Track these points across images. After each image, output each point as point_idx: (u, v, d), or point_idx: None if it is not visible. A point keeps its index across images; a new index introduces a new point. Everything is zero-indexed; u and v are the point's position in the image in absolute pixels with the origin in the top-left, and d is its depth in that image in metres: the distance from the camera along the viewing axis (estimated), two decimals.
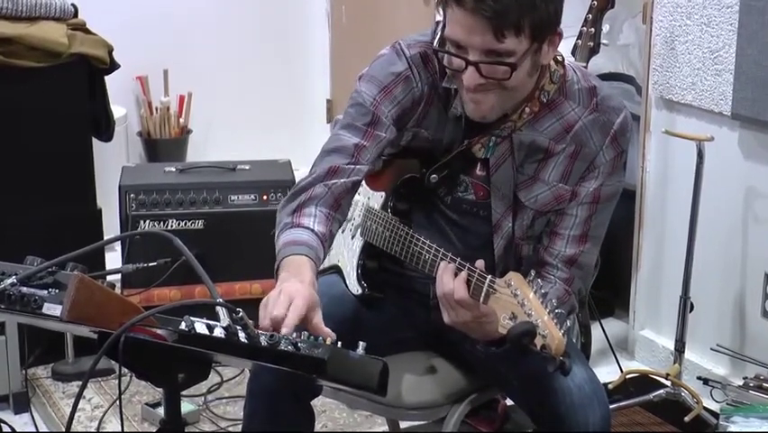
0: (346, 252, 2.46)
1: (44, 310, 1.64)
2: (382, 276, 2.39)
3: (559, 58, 2.17)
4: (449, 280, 2.00)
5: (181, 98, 5.06)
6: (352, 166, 2.19)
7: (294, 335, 1.62)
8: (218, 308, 1.64)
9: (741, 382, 3.18)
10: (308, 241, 2.06)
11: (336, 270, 2.47)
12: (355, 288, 2.38)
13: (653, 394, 3.33)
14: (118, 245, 3.84)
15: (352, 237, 2.45)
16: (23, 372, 3.34)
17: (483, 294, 1.95)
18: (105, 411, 3.29)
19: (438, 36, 2.14)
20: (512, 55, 1.99)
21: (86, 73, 3.59)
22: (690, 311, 3.31)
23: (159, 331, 1.65)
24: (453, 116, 2.21)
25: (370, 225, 2.39)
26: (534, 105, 2.16)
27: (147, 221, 3.62)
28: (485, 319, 1.98)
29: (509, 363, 2.19)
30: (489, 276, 1.96)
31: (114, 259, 3.83)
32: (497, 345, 2.07)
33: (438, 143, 2.24)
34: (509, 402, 3.13)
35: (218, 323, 1.61)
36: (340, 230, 2.26)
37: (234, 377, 3.47)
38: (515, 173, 2.21)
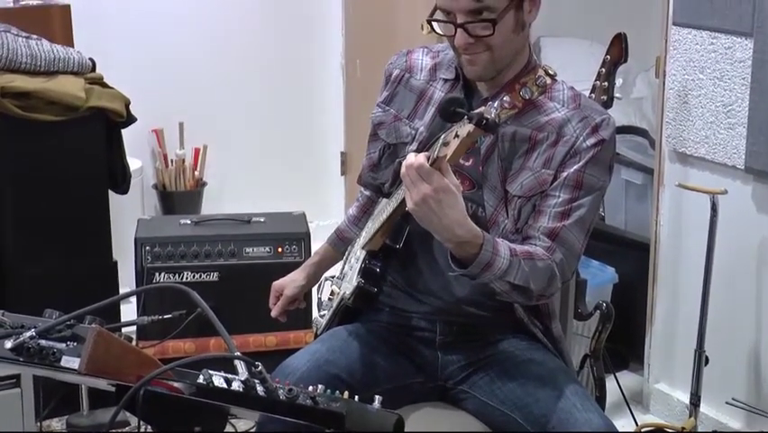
0: (353, 260, 2.55)
1: (63, 363, 1.64)
2: (381, 278, 2.46)
3: (551, 72, 2.32)
4: (411, 156, 2.05)
5: (196, 151, 5.10)
6: None
7: (311, 388, 1.63)
8: (236, 361, 1.64)
9: None
10: (338, 227, 2.76)
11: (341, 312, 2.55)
12: (353, 284, 2.43)
13: None
14: (133, 297, 3.85)
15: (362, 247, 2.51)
16: (38, 424, 3.34)
17: (437, 151, 2.02)
18: None
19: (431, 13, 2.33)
20: (493, 11, 2.19)
21: (103, 127, 3.62)
22: (705, 365, 3.30)
23: (176, 384, 1.65)
24: None
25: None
26: (515, 98, 2.28)
27: (162, 273, 3.63)
28: (444, 196, 2.00)
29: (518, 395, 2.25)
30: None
31: (129, 311, 3.84)
32: (466, 267, 2.11)
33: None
34: None
35: (236, 376, 1.62)
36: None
37: (249, 430, 3.46)
38: (501, 163, 2.30)
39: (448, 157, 2.00)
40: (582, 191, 2.27)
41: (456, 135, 1.98)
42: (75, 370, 1.63)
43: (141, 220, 3.87)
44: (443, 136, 2.04)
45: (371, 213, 2.61)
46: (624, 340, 3.90)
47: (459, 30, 2.21)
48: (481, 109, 1.95)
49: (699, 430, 3.38)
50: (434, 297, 2.41)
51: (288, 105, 5.38)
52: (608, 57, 3.30)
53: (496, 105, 2.17)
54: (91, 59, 3.65)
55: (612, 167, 2.34)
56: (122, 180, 3.79)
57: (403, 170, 2.04)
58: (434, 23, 2.27)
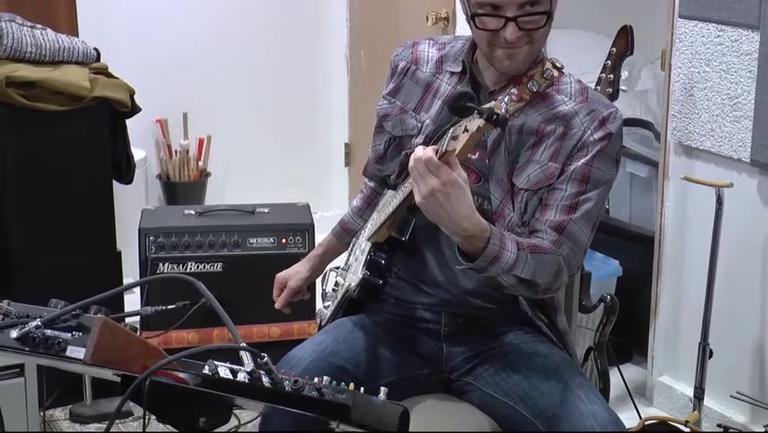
0: (359, 252, 2.54)
1: (68, 353, 1.64)
2: (386, 270, 2.46)
3: (558, 64, 2.30)
4: (419, 149, 2.05)
5: (200, 141, 5.10)
6: None
7: (316, 379, 1.62)
8: (242, 352, 1.64)
9: (761, 430, 3.16)
10: (342, 218, 2.73)
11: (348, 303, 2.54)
12: (358, 276, 2.43)
13: None
14: (136, 287, 3.85)
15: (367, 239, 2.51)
16: (41, 413, 3.34)
17: (446, 145, 2.02)
18: None
19: (466, 8, 2.27)
20: (543, 3, 2.21)
21: (107, 116, 3.62)
22: (710, 358, 3.30)
23: (181, 375, 1.65)
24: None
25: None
26: (522, 91, 2.26)
27: (166, 264, 3.63)
28: (452, 190, 2.01)
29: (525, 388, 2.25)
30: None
31: (132, 301, 3.84)
32: (473, 261, 2.12)
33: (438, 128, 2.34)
34: None
35: (242, 367, 1.62)
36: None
37: (252, 420, 3.46)
38: (507, 156, 2.29)
39: (457, 151, 1.99)
40: (589, 185, 2.27)
41: (465, 130, 1.97)
42: (80, 360, 1.63)
43: (144, 210, 3.87)
44: (451, 130, 2.03)
45: (376, 204, 2.60)
46: (628, 333, 3.89)
47: (510, 23, 2.18)
48: (492, 104, 1.94)
49: (703, 424, 3.37)
50: (439, 288, 2.41)
51: (292, 97, 5.37)
52: (614, 49, 3.29)
53: (506, 99, 2.16)
54: (96, 49, 3.64)
55: (619, 160, 2.34)
56: (126, 171, 3.78)
57: (411, 163, 2.04)
58: (476, 19, 2.23)
